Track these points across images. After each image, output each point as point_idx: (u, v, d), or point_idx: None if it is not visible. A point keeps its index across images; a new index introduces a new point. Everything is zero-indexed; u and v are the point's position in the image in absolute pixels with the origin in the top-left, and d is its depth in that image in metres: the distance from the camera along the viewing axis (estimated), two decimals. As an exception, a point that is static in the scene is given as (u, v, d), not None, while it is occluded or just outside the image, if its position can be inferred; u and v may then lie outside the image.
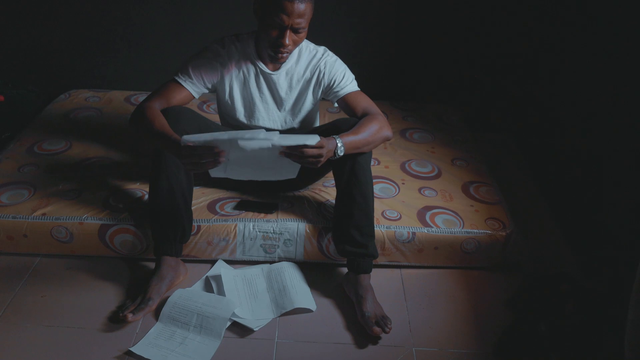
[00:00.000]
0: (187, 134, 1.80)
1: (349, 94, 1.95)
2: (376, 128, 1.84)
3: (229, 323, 1.76)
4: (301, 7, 1.72)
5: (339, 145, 1.75)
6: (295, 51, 1.95)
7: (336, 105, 2.02)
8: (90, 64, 2.97)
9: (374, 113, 1.90)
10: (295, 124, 2.08)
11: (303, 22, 1.76)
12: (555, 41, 2.66)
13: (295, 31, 1.78)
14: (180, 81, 1.89)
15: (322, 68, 1.96)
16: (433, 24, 2.90)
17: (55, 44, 2.93)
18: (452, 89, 3.05)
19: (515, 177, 2.64)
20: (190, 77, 1.89)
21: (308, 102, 2.02)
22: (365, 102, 1.95)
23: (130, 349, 1.65)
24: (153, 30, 2.91)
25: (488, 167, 2.44)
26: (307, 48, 1.99)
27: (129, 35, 2.92)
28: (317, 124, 2.18)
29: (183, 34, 2.89)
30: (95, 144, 2.40)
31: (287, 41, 1.78)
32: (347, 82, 1.95)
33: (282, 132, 2.05)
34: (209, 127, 1.96)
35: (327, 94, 2.00)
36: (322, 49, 2.00)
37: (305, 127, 2.10)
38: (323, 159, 1.70)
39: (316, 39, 2.03)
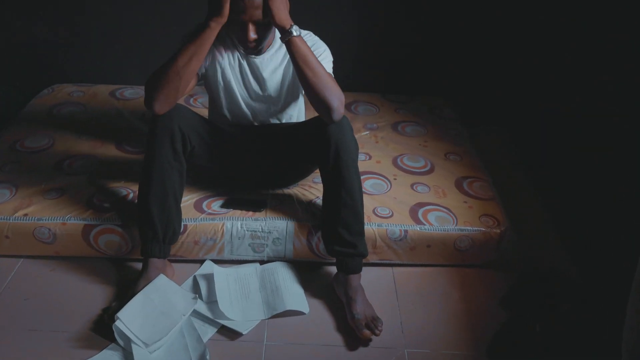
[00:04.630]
0: (181, 130, 1.76)
1: None
2: (332, 81, 1.74)
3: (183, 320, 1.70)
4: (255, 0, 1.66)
5: (296, 27, 1.69)
6: (278, 37, 1.87)
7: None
8: (75, 57, 2.90)
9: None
10: (280, 114, 2.02)
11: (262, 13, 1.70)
12: (552, 30, 2.62)
13: (258, 23, 1.72)
14: None
15: None
16: (425, 13, 2.85)
17: (38, 37, 2.85)
18: (444, 81, 3.00)
19: (510, 172, 2.60)
20: None
21: (293, 86, 1.96)
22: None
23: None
24: (139, 22, 2.84)
25: (482, 161, 2.40)
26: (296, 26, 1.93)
27: (114, 27, 2.84)
28: (303, 119, 2.13)
29: (169, 26, 2.82)
30: (79, 141, 2.34)
31: (251, 36, 1.72)
32: (323, 61, 1.84)
33: (262, 133, 2.00)
34: (203, 125, 1.91)
35: None
36: (306, 32, 1.93)
37: (289, 119, 2.05)
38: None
39: (304, 28, 1.98)
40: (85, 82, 2.87)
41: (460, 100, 2.93)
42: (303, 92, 1.96)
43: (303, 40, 1.73)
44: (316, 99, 1.75)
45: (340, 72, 1.94)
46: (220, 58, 1.90)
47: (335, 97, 1.74)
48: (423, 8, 2.82)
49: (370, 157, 2.34)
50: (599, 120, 2.15)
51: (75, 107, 2.61)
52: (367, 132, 2.54)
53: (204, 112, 2.48)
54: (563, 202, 2.32)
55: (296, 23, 1.89)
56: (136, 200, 1.88)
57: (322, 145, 1.79)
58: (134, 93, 2.77)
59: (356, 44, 2.89)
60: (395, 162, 2.33)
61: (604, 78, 2.14)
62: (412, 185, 2.19)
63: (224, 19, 1.68)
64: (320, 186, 2.07)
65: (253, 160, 2.01)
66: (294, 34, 1.70)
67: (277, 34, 1.91)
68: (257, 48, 1.80)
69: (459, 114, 2.79)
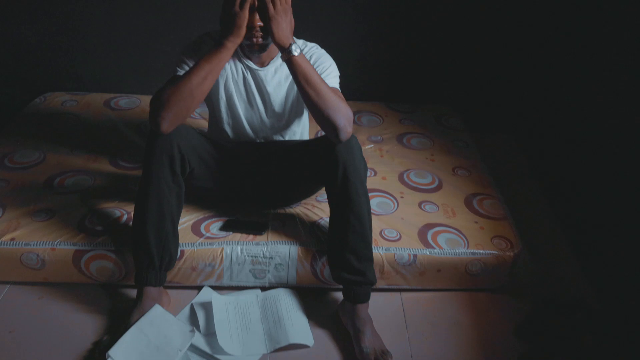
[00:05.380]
0: (180, 151, 1.67)
1: None
2: (337, 98, 1.65)
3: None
4: None
5: (295, 46, 1.61)
6: None
7: None
8: (68, 63, 2.79)
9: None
10: (283, 131, 1.94)
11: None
12: (560, 35, 2.54)
13: (264, 10, 1.61)
14: (182, 73, 1.70)
15: (307, 58, 1.79)
16: (430, 20, 2.75)
17: (29, 42, 2.74)
18: (450, 89, 2.90)
19: (519, 185, 2.52)
20: (190, 67, 1.71)
21: (298, 102, 1.87)
22: (341, 98, 1.73)
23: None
24: (135, 28, 2.73)
25: (491, 175, 2.30)
26: (297, 42, 1.83)
27: (109, 32, 2.73)
28: (307, 137, 2.04)
29: (166, 32, 2.72)
30: (71, 156, 2.23)
31: (257, 23, 1.62)
32: (329, 76, 1.78)
33: (265, 150, 1.90)
34: (204, 144, 1.81)
35: None
36: (312, 44, 1.87)
37: (293, 136, 1.97)
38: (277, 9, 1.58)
39: (309, 37, 1.90)
40: (79, 89, 2.76)
41: (466, 108, 2.83)
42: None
43: (305, 58, 1.64)
44: (321, 118, 1.65)
45: (343, 80, 1.85)
46: (222, 70, 1.80)
47: (342, 116, 1.64)
48: (427, 15, 2.73)
49: (375, 173, 2.24)
50: (614, 127, 2.06)
51: (68, 118, 2.50)
52: (372, 146, 2.44)
53: (203, 124, 2.40)
54: (578, 218, 2.23)
55: (301, 31, 1.80)
56: (130, 223, 1.79)
57: (329, 166, 1.70)
58: (130, 102, 2.66)
59: (360, 51, 2.80)
60: (401, 178, 2.23)
61: (617, 83, 2.05)
62: (420, 204, 2.09)
63: (240, 39, 1.61)
64: (325, 205, 2.00)
65: (255, 179, 1.91)
66: (294, 53, 1.61)
67: None
68: (264, 43, 1.68)
69: (466, 122, 2.70)
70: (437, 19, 2.73)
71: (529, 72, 2.76)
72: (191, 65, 1.71)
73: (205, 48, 1.76)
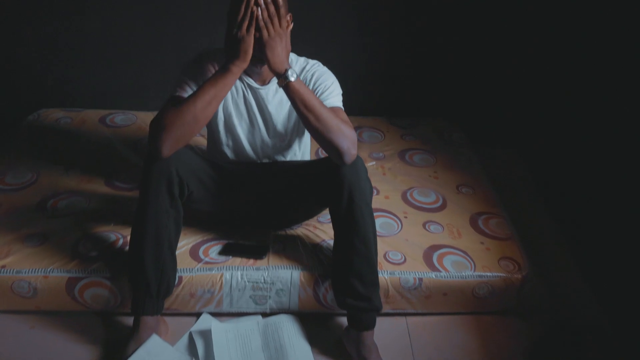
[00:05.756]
0: (178, 175, 1.61)
1: (330, 108, 1.69)
2: (338, 120, 1.60)
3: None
4: None
5: (292, 71, 1.56)
6: None
7: None
8: (62, 79, 2.73)
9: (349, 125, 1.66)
10: (285, 151, 1.88)
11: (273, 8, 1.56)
12: (563, 46, 2.51)
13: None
14: (182, 94, 1.65)
15: (309, 77, 1.77)
16: (431, 33, 2.71)
17: (23, 58, 2.69)
18: (452, 102, 2.86)
19: (524, 201, 2.46)
20: (191, 88, 1.66)
21: (300, 121, 1.80)
22: (343, 118, 1.69)
23: None
24: (130, 43, 2.68)
25: (495, 192, 2.25)
26: (298, 61, 1.81)
27: (104, 47, 2.68)
28: (308, 157, 1.99)
29: (162, 47, 2.67)
30: (65, 176, 2.17)
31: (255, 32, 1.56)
32: (331, 94, 1.74)
33: (266, 171, 1.86)
34: (203, 167, 1.76)
35: None
36: (314, 61, 1.83)
37: (294, 156, 1.92)
38: (272, 32, 1.53)
39: (309, 50, 1.88)
40: (74, 105, 2.70)
41: (468, 121, 2.79)
42: None
43: (302, 83, 1.59)
44: (323, 143, 1.61)
45: (343, 95, 1.80)
46: None
47: (345, 139, 1.58)
48: (428, 27, 2.69)
49: (378, 192, 2.18)
50: (621, 140, 2.02)
51: (62, 136, 2.43)
52: (374, 163, 2.39)
53: (202, 141, 2.34)
54: (585, 236, 2.18)
55: (301, 45, 1.75)
56: (126, 248, 1.73)
57: (334, 188, 1.64)
58: (126, 119, 2.60)
59: (360, 65, 2.77)
60: (404, 197, 2.18)
61: (624, 96, 2.01)
62: (424, 224, 2.03)
63: (246, 64, 1.57)
64: (327, 226, 1.95)
65: (256, 200, 1.86)
66: (291, 78, 1.56)
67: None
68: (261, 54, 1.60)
69: (468, 137, 2.65)
70: (439, 32, 2.70)
71: (532, 84, 2.72)
72: (191, 85, 1.66)
73: (205, 67, 1.71)
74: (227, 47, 1.57)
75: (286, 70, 1.56)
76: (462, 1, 2.61)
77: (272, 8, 1.52)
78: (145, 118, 2.58)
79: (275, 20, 1.53)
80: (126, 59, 2.70)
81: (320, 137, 1.59)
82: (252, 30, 1.52)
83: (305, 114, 1.58)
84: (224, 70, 1.57)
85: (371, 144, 2.53)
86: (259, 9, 1.51)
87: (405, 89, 2.85)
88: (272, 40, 1.54)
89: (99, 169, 2.21)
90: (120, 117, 2.60)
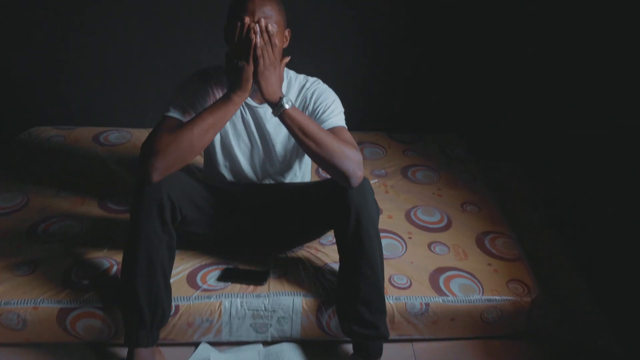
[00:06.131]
0: (170, 199, 1.54)
1: (332, 128, 1.65)
2: (340, 143, 1.54)
3: None
4: (265, 8, 1.52)
5: (286, 98, 1.51)
6: (284, 85, 1.73)
7: None
8: (54, 96, 2.67)
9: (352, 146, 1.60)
10: (285, 172, 1.83)
11: (270, 23, 1.52)
12: (566, 59, 2.48)
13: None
14: (176, 115, 1.59)
15: (308, 96, 1.72)
16: (432, 46, 2.66)
17: (14, 74, 2.62)
18: (453, 115, 2.81)
19: (530, 218, 2.40)
20: (185, 109, 1.61)
21: None
22: (347, 138, 1.63)
23: None
24: (124, 58, 2.63)
25: (501, 210, 2.19)
26: (297, 79, 1.76)
27: (98, 63, 2.63)
28: (309, 178, 1.93)
29: (157, 62, 2.62)
30: (57, 198, 2.10)
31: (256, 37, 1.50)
32: (332, 113, 1.68)
33: (267, 194, 1.80)
34: (197, 190, 1.69)
35: None
36: (313, 79, 1.77)
37: (294, 177, 1.86)
38: (266, 57, 1.48)
39: (308, 63, 1.87)
40: (67, 123, 2.63)
41: (470, 134, 2.73)
42: None
43: (297, 110, 1.54)
44: (327, 168, 1.55)
45: (344, 110, 1.74)
46: None
47: (350, 162, 1.52)
48: (429, 41, 2.65)
49: (381, 212, 2.11)
50: (630, 154, 1.96)
51: (54, 156, 2.36)
52: (376, 180, 2.32)
53: (198, 158, 2.27)
54: (594, 254, 2.12)
55: (300, 59, 1.72)
56: (120, 276, 1.64)
57: (340, 211, 1.58)
58: (120, 137, 2.53)
59: (360, 79, 2.72)
60: (408, 217, 2.11)
61: (631, 108, 1.96)
62: (429, 245, 1.97)
63: (247, 93, 1.52)
64: (329, 249, 1.89)
65: (255, 223, 1.79)
66: (286, 106, 1.51)
67: (285, 77, 1.73)
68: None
69: (472, 151, 2.59)
70: (439, 44, 2.66)
71: (534, 96, 2.67)
72: (185, 106, 1.60)
73: (202, 87, 1.66)
74: (228, 74, 1.53)
75: (280, 99, 1.51)
76: (462, 14, 2.58)
77: (266, 37, 1.48)
78: (140, 136, 2.51)
79: (269, 48, 1.49)
80: (121, 73, 2.65)
81: (324, 163, 1.54)
82: (251, 59, 1.48)
83: (305, 141, 1.52)
84: (225, 98, 1.52)
85: (372, 160, 2.47)
86: (257, 36, 1.47)
87: (406, 102, 2.80)
88: (267, 70, 1.49)
89: (92, 190, 2.14)
90: (114, 135, 2.54)
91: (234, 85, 1.52)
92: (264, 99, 1.53)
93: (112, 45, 2.58)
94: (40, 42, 2.55)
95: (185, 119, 1.58)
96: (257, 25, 1.48)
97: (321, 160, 1.54)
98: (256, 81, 1.50)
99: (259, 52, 1.47)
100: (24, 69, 2.60)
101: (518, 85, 2.69)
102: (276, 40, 1.51)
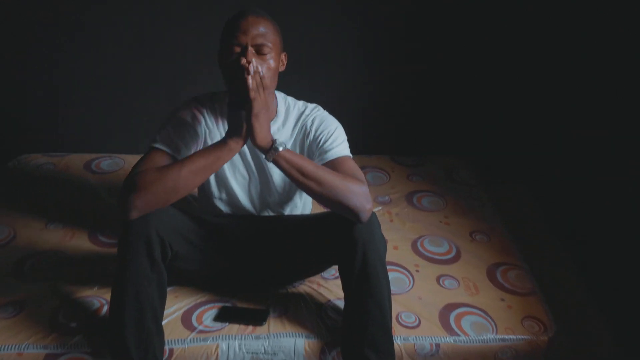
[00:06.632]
0: (159, 235, 1.45)
1: (336, 158, 1.57)
2: (343, 179, 1.46)
3: None
4: (259, 26, 1.47)
5: (280, 141, 1.44)
6: (282, 111, 1.65)
7: None
8: (45, 122, 2.59)
9: (357, 177, 1.52)
10: (285, 204, 1.74)
11: (265, 43, 1.48)
12: (570, 74, 2.41)
13: (258, 51, 1.48)
14: (163, 147, 1.51)
15: (309, 124, 1.64)
16: (434, 67, 2.60)
17: (1, 99, 2.54)
18: (458, 136, 2.73)
19: (540, 244, 2.30)
20: (174, 141, 1.53)
21: None
22: (351, 168, 1.56)
23: None
24: (117, 82, 2.55)
25: (512, 239, 2.10)
26: (296, 106, 1.68)
27: (89, 87, 2.55)
28: (309, 211, 1.84)
29: (151, 86, 2.55)
30: (45, 231, 2.00)
31: (249, 57, 1.44)
32: (335, 142, 1.60)
33: (265, 227, 1.71)
34: (188, 224, 1.59)
35: (311, 156, 1.64)
36: (312, 105, 1.70)
37: (294, 208, 1.77)
38: (255, 102, 1.39)
39: (307, 85, 1.83)
40: (58, 149, 2.54)
41: (475, 156, 2.66)
42: None
43: (291, 151, 1.47)
44: (334, 207, 1.48)
45: (346, 132, 1.68)
46: (212, 135, 1.60)
47: (356, 197, 1.44)
48: (431, 61, 2.59)
49: (386, 242, 2.01)
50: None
51: (43, 185, 2.27)
52: (380, 208, 2.23)
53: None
54: (612, 284, 2.02)
55: (298, 79, 1.69)
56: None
57: (345, 247, 1.50)
58: (112, 164, 2.44)
59: (361, 99, 2.66)
60: (415, 247, 2.02)
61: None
62: (438, 279, 1.87)
63: (244, 142, 1.45)
64: (332, 283, 1.80)
65: (253, 259, 1.70)
66: (280, 149, 1.43)
67: (281, 104, 1.66)
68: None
69: (477, 174, 2.50)
70: (442, 64, 2.61)
71: (542, 115, 2.59)
72: (174, 137, 1.53)
73: (194, 117, 1.59)
74: (228, 119, 1.46)
75: (274, 141, 1.43)
76: (467, 33, 2.52)
77: (258, 78, 1.41)
78: (133, 162, 2.40)
79: (262, 90, 1.41)
80: (114, 97, 2.58)
81: (329, 202, 1.46)
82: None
83: (305, 183, 1.44)
84: (221, 143, 1.45)
85: (376, 186, 2.38)
86: (249, 76, 1.39)
87: (409, 124, 2.74)
88: (261, 113, 1.42)
89: (83, 222, 2.05)
90: (107, 162, 2.44)
91: (232, 132, 1.44)
92: (256, 145, 1.44)
93: (104, 68, 2.51)
94: (29, 64, 2.48)
95: (172, 152, 1.50)
96: (250, 65, 1.40)
97: (326, 199, 1.45)
98: (249, 125, 1.42)
99: (252, 94, 1.39)
100: (12, 93, 2.52)
101: (523, 105, 2.63)
102: (267, 82, 1.46)
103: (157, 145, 1.51)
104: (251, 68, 1.39)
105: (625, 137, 2.03)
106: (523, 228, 2.35)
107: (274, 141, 1.44)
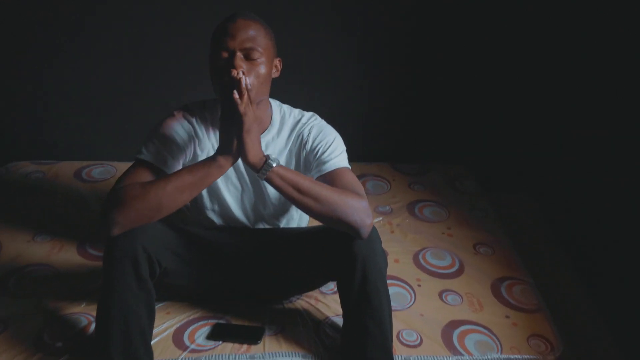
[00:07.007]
0: (146, 251, 1.38)
1: (334, 170, 1.51)
2: (341, 194, 1.39)
3: None
4: (249, 29, 1.41)
5: (273, 157, 1.38)
6: (277, 120, 1.58)
7: None
8: (34, 129, 2.52)
9: (356, 191, 1.45)
10: (280, 216, 1.67)
11: (255, 47, 1.41)
12: (575, 82, 2.37)
13: (247, 56, 1.41)
14: (149, 159, 1.45)
15: (305, 134, 1.57)
16: (437, 73, 2.54)
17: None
18: (460, 144, 2.66)
19: (545, 257, 2.25)
20: (160, 152, 1.46)
21: None
22: (350, 181, 1.49)
23: None
24: (107, 87, 2.49)
25: (517, 252, 2.03)
26: (292, 114, 1.61)
27: (80, 94, 2.48)
28: (305, 223, 1.77)
29: (143, 92, 2.48)
30: (32, 244, 1.93)
31: (237, 63, 1.38)
32: (333, 153, 1.54)
33: (260, 240, 1.64)
34: (177, 238, 1.53)
35: (308, 167, 1.57)
36: (309, 114, 1.63)
37: (290, 221, 1.71)
38: (244, 117, 1.32)
39: (305, 90, 1.69)
40: (48, 157, 2.47)
41: (478, 164, 2.60)
42: None
43: (285, 167, 1.40)
44: (333, 224, 1.41)
45: (343, 139, 1.62)
46: (202, 145, 1.54)
47: (355, 212, 1.37)
48: (433, 67, 2.54)
49: (387, 255, 1.94)
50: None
51: (32, 194, 2.20)
52: (381, 219, 2.16)
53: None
54: (618, 298, 1.95)
55: (295, 85, 1.59)
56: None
57: (344, 262, 1.43)
58: (104, 172, 2.37)
59: (361, 106, 2.59)
60: (416, 260, 1.95)
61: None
62: (440, 294, 1.80)
63: (236, 159, 1.38)
64: (330, 298, 1.74)
65: (247, 274, 1.63)
66: (274, 165, 1.37)
67: (275, 112, 1.59)
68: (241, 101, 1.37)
69: (480, 183, 2.44)
70: (444, 70, 2.54)
71: (542, 115, 2.54)
72: (160, 149, 1.46)
73: (182, 127, 1.52)
74: (220, 132, 1.38)
75: (268, 158, 1.36)
76: (468, 40, 2.47)
77: (246, 96, 1.33)
78: (124, 170, 2.34)
79: (252, 106, 1.35)
80: (105, 103, 2.51)
81: (327, 219, 1.39)
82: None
83: (301, 200, 1.38)
84: (210, 160, 1.38)
85: (376, 195, 2.31)
86: (240, 94, 1.33)
87: (410, 130, 2.67)
88: (252, 129, 1.35)
89: (72, 234, 1.98)
90: (98, 170, 2.38)
91: (224, 149, 1.37)
92: (247, 162, 1.37)
93: (95, 73, 2.45)
94: (17, 70, 2.41)
95: (158, 164, 1.44)
96: (240, 79, 1.32)
97: (324, 216, 1.39)
98: (239, 141, 1.35)
99: (241, 109, 1.31)
100: (0, 99, 2.45)
101: (523, 105, 2.57)
102: (253, 94, 1.39)
103: (143, 157, 1.45)
104: (242, 82, 1.32)
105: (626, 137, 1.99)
106: (527, 239, 2.30)
107: (266, 157, 1.37)
